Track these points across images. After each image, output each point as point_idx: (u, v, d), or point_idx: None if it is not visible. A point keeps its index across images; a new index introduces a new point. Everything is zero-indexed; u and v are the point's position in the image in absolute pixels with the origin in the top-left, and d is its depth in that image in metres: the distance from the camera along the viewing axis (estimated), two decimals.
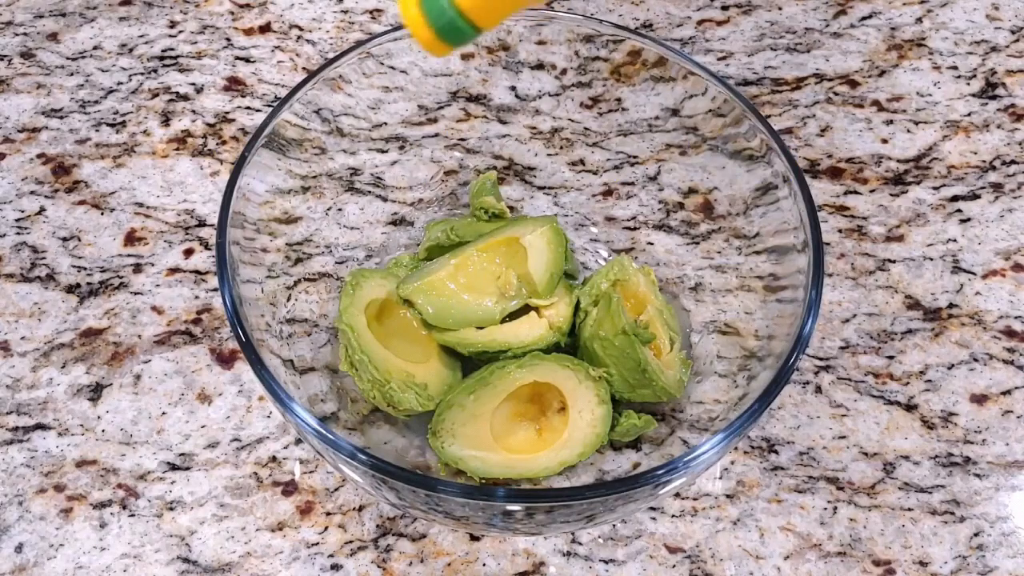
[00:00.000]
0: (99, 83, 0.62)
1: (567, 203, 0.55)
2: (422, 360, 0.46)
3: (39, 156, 0.58)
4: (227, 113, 0.60)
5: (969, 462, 0.48)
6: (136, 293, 0.53)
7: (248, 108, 0.61)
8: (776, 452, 0.48)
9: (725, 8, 0.67)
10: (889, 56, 0.64)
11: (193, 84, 0.62)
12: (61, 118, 0.60)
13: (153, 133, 0.59)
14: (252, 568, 0.44)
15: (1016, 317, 0.53)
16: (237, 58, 0.63)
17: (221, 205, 0.41)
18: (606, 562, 0.45)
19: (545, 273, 0.47)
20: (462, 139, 0.55)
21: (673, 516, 0.46)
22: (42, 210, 0.56)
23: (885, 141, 0.60)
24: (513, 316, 0.47)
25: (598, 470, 0.46)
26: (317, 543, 0.45)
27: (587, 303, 0.47)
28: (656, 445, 0.46)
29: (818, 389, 0.50)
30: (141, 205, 0.56)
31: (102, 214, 0.56)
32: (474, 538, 0.45)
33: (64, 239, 0.55)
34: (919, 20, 0.66)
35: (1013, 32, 0.66)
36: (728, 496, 0.47)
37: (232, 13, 0.66)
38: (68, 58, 0.63)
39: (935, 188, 0.58)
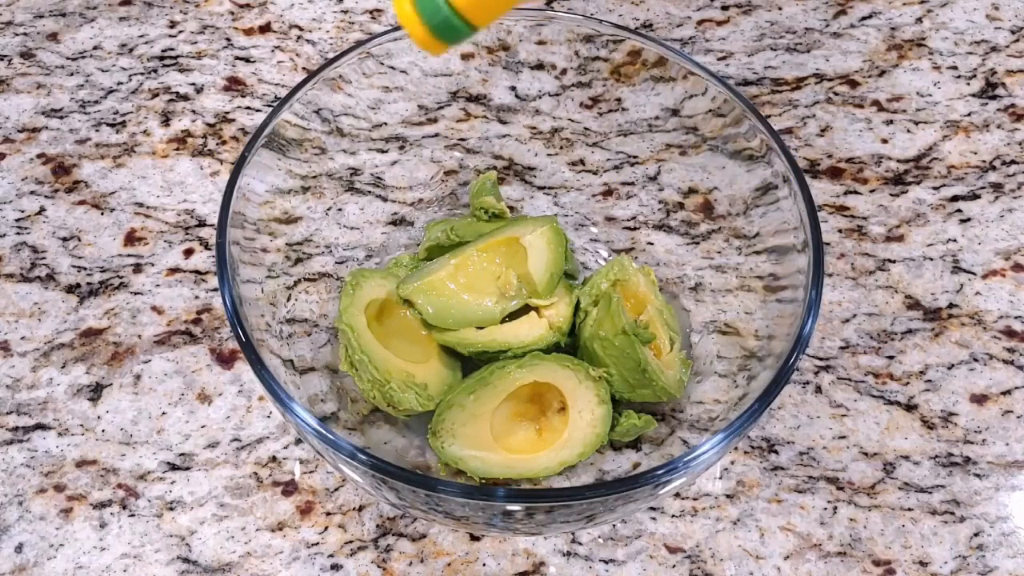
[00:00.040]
0: (99, 83, 0.62)
1: (567, 203, 0.55)
2: (422, 360, 0.46)
3: (39, 156, 0.58)
4: (227, 113, 0.60)
5: (969, 462, 0.48)
6: (136, 293, 0.53)
7: (248, 108, 0.61)
8: (776, 452, 0.48)
9: (725, 8, 0.67)
10: (889, 56, 0.64)
11: (193, 84, 0.62)
12: (61, 118, 0.60)
13: (153, 133, 0.59)
14: (252, 568, 0.44)
15: (1016, 317, 0.53)
16: (237, 58, 0.63)
17: (221, 205, 0.41)
18: (606, 562, 0.45)
19: (545, 273, 0.47)
20: (462, 139, 0.55)
21: (673, 516, 0.46)
22: (42, 210, 0.56)
23: (885, 141, 0.60)
24: (513, 316, 0.47)
25: (598, 470, 0.46)
26: (317, 543, 0.45)
27: (587, 303, 0.47)
28: (656, 445, 0.46)
29: (818, 389, 0.50)
30: (141, 205, 0.56)
31: (102, 214, 0.56)
32: (474, 538, 0.45)
33: (64, 239, 0.55)
34: (919, 20, 0.66)
35: (1013, 32, 0.66)
36: (728, 496, 0.47)
37: (232, 13, 0.66)
38: (68, 58, 0.63)
39: (935, 188, 0.58)
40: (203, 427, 0.48)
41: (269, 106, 0.61)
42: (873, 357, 0.51)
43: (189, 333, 0.51)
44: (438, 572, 0.44)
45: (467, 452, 0.43)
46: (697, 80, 0.47)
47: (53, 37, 0.64)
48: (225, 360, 0.50)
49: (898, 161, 0.59)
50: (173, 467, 0.47)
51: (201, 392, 0.49)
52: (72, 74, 0.62)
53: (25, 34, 0.64)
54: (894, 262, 0.55)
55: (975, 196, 0.57)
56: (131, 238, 0.55)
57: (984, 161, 0.59)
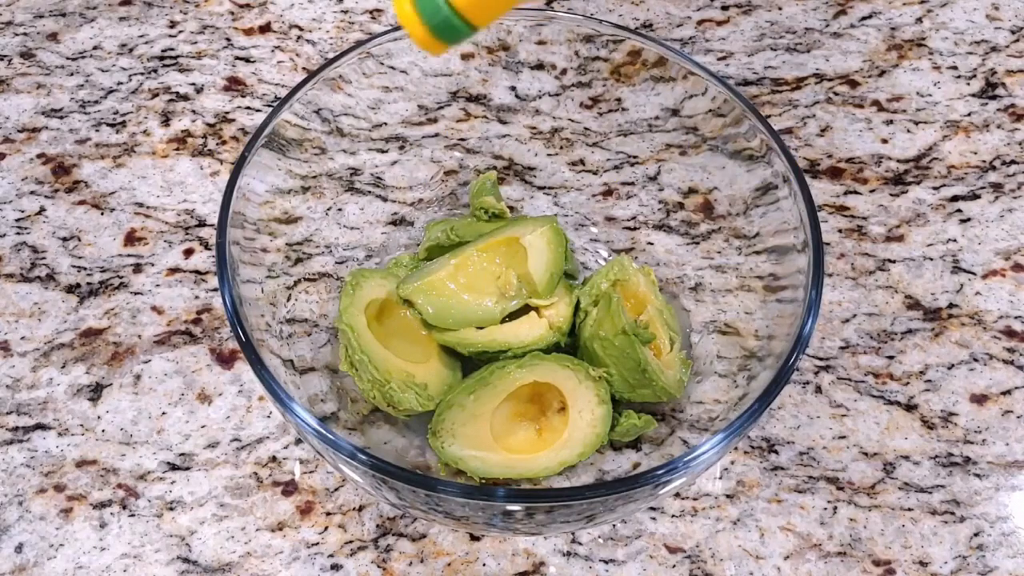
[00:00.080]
0: (99, 83, 0.62)
1: (567, 203, 0.55)
2: (422, 360, 0.46)
3: (39, 156, 0.58)
4: (227, 113, 0.60)
5: (969, 462, 0.48)
6: (136, 293, 0.53)
7: (248, 108, 0.61)
8: (776, 452, 0.48)
9: (725, 8, 0.67)
10: (889, 56, 0.64)
11: (193, 84, 0.62)
12: (61, 118, 0.60)
13: (153, 133, 0.59)
14: (252, 568, 0.44)
15: (1016, 317, 0.53)
16: (237, 58, 0.63)
17: (221, 205, 0.41)
18: (606, 562, 0.45)
19: (545, 273, 0.47)
20: (462, 139, 0.55)
21: (673, 516, 0.46)
22: (42, 210, 0.56)
23: (885, 141, 0.60)
24: (513, 316, 0.47)
25: (598, 470, 0.46)
26: (317, 543, 0.45)
27: (587, 303, 0.47)
28: (656, 445, 0.46)
29: (818, 389, 0.50)
30: (141, 205, 0.56)
31: (102, 214, 0.56)
32: (474, 538, 0.45)
33: (64, 239, 0.55)
34: (919, 20, 0.66)
35: (1013, 32, 0.66)
36: (728, 496, 0.47)
37: (232, 13, 0.66)
38: (68, 58, 0.63)
39: (935, 188, 0.58)
40: (203, 427, 0.48)
41: (269, 106, 0.61)
42: (873, 357, 0.51)
43: (189, 333, 0.51)
44: (438, 572, 0.44)
45: (467, 452, 0.43)
46: (697, 80, 0.47)
47: (53, 37, 0.64)
48: (225, 360, 0.50)
49: (898, 161, 0.59)
50: (173, 467, 0.47)
51: (201, 392, 0.49)
52: (72, 74, 0.62)
53: (25, 34, 0.64)
54: (894, 262, 0.55)
55: (975, 196, 0.57)
56: (131, 238, 0.55)
57: (984, 161, 0.59)
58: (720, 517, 0.46)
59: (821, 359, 0.51)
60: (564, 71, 0.52)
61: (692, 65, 0.47)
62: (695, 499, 0.46)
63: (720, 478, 0.47)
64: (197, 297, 0.53)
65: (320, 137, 0.49)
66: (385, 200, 0.53)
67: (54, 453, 0.47)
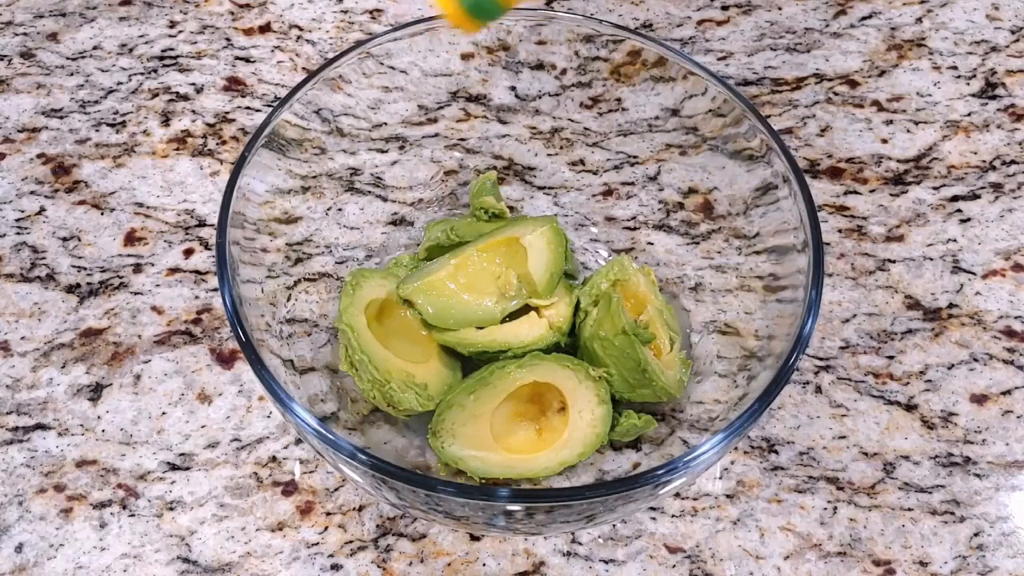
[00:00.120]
0: (99, 83, 0.62)
1: (567, 203, 0.55)
2: (422, 360, 0.46)
3: (39, 156, 0.58)
4: (227, 113, 0.60)
5: (969, 462, 0.48)
6: (136, 293, 0.53)
7: (248, 108, 0.61)
8: (776, 452, 0.48)
9: (725, 8, 0.67)
10: (889, 56, 0.64)
11: (193, 84, 0.62)
12: (61, 118, 0.60)
13: (153, 133, 0.59)
14: (252, 568, 0.44)
15: (1016, 317, 0.53)
16: (237, 58, 0.63)
17: (221, 205, 0.41)
18: (606, 562, 0.45)
19: (545, 273, 0.47)
20: (462, 139, 0.55)
21: (673, 516, 0.46)
22: (42, 210, 0.56)
23: (885, 141, 0.60)
24: (513, 316, 0.47)
25: (598, 470, 0.46)
26: (317, 543, 0.45)
27: (587, 303, 0.47)
28: (656, 445, 0.46)
29: (818, 389, 0.50)
30: (141, 205, 0.56)
31: (102, 214, 0.56)
32: (474, 538, 0.45)
33: (64, 239, 0.55)
34: (919, 20, 0.66)
35: (1013, 32, 0.66)
36: (728, 496, 0.47)
37: (232, 13, 0.66)
38: (68, 58, 0.63)
39: (935, 188, 0.58)
40: (203, 427, 0.48)
41: (269, 106, 0.61)
42: (873, 357, 0.51)
43: (189, 333, 0.51)
44: (438, 572, 0.44)
45: (467, 452, 0.43)
46: (697, 80, 0.47)
47: (53, 37, 0.64)
48: (225, 360, 0.50)
49: (898, 161, 0.59)
50: (173, 467, 0.47)
51: (201, 392, 0.49)
52: (72, 74, 0.62)
53: (25, 34, 0.64)
54: (894, 262, 0.55)
55: (975, 196, 0.57)
56: (131, 238, 0.55)
57: (984, 161, 0.59)
58: (720, 517, 0.46)
59: (821, 359, 0.51)
60: (564, 71, 0.52)
61: (692, 65, 0.47)
62: (695, 499, 0.46)
63: (720, 478, 0.47)
64: (197, 297, 0.53)
65: (320, 137, 0.49)
66: (385, 200, 0.53)
67: (54, 453, 0.47)
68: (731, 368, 0.46)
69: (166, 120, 0.60)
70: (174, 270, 0.54)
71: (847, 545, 0.45)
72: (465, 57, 0.53)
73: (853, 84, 0.62)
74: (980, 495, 0.47)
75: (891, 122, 0.61)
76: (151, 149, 0.59)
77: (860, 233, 0.56)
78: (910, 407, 0.50)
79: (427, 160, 0.54)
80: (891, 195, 0.57)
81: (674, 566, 0.44)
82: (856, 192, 0.57)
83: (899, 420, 0.49)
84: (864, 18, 0.66)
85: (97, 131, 0.59)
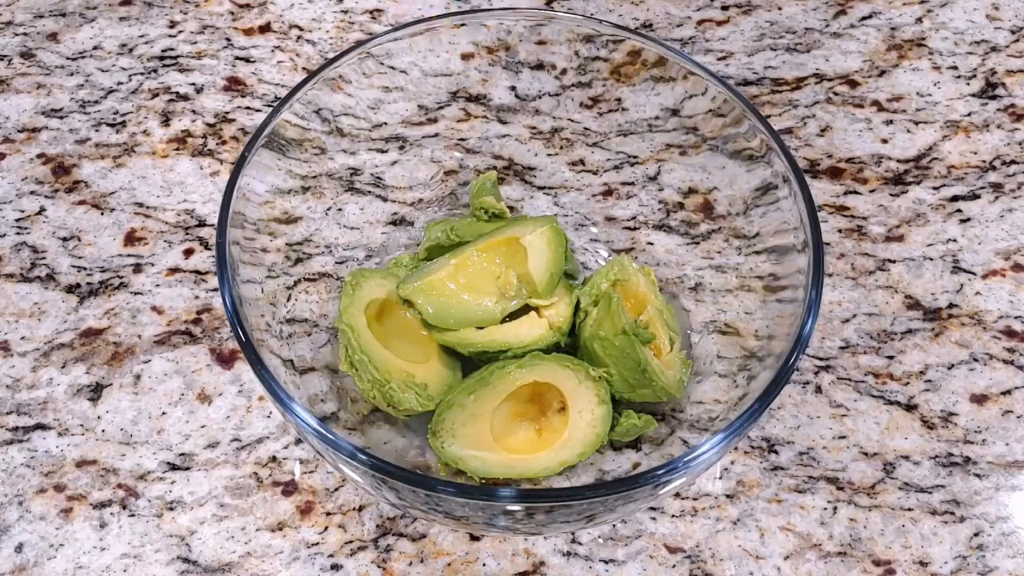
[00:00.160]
0: (99, 83, 0.62)
1: (567, 203, 0.55)
2: (422, 360, 0.46)
3: (39, 156, 0.58)
4: (227, 113, 0.60)
5: (969, 462, 0.48)
6: (136, 293, 0.53)
7: (248, 108, 0.61)
8: (776, 452, 0.48)
9: (725, 8, 0.67)
10: (889, 56, 0.64)
11: (193, 84, 0.62)
12: (61, 118, 0.60)
13: (153, 133, 0.59)
14: (252, 568, 0.44)
15: (1016, 317, 0.53)
16: (237, 58, 0.63)
17: (221, 205, 0.41)
18: (606, 562, 0.45)
19: (545, 273, 0.47)
20: (462, 139, 0.55)
21: (673, 516, 0.46)
22: (42, 210, 0.56)
23: (885, 141, 0.60)
24: (513, 316, 0.47)
25: (598, 470, 0.46)
26: (317, 543, 0.45)
27: (587, 303, 0.47)
28: (656, 445, 0.46)
29: (818, 389, 0.50)
30: (141, 205, 0.56)
31: (102, 214, 0.56)
32: (474, 538, 0.45)
33: (64, 239, 0.55)
34: (919, 20, 0.66)
35: (1013, 32, 0.66)
36: (728, 496, 0.47)
37: (232, 13, 0.66)
38: (68, 58, 0.63)
39: (935, 188, 0.58)
40: (203, 427, 0.48)
41: (269, 106, 0.61)
42: (873, 357, 0.51)
43: (189, 333, 0.51)
44: (438, 572, 0.44)
45: (467, 452, 0.43)
46: (697, 80, 0.47)
47: (53, 37, 0.64)
48: (225, 360, 0.50)
49: (898, 161, 0.59)
50: (173, 467, 0.47)
51: (201, 392, 0.49)
52: (72, 74, 0.62)
53: (25, 34, 0.64)
54: (894, 262, 0.55)
55: (975, 196, 0.57)
56: (131, 238, 0.55)
57: (984, 161, 0.59)
58: (720, 517, 0.46)
59: (821, 359, 0.51)
60: (564, 71, 0.52)
61: (692, 65, 0.47)
62: (695, 499, 0.46)
63: (720, 478, 0.47)
64: (197, 297, 0.53)
65: (320, 137, 0.49)
66: (385, 200, 0.53)
67: (54, 453, 0.47)
68: (731, 368, 0.46)
69: (166, 120, 0.60)
70: (174, 270, 0.54)
71: (847, 545, 0.45)
72: (465, 57, 0.53)
73: (853, 84, 0.62)
74: (980, 495, 0.47)
75: (891, 122, 0.61)
76: (151, 149, 0.59)
77: (860, 233, 0.56)
78: (910, 407, 0.50)
79: (427, 160, 0.54)
80: (891, 195, 0.57)
81: (674, 566, 0.44)
82: (856, 192, 0.57)
83: (899, 420, 0.49)
84: (864, 18, 0.66)
85: (97, 131, 0.59)
